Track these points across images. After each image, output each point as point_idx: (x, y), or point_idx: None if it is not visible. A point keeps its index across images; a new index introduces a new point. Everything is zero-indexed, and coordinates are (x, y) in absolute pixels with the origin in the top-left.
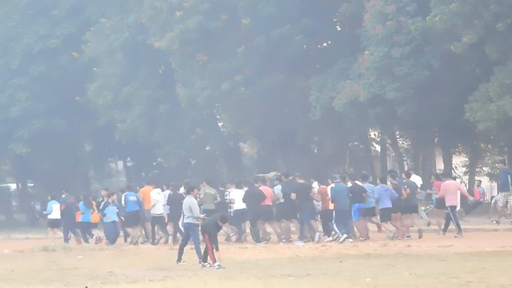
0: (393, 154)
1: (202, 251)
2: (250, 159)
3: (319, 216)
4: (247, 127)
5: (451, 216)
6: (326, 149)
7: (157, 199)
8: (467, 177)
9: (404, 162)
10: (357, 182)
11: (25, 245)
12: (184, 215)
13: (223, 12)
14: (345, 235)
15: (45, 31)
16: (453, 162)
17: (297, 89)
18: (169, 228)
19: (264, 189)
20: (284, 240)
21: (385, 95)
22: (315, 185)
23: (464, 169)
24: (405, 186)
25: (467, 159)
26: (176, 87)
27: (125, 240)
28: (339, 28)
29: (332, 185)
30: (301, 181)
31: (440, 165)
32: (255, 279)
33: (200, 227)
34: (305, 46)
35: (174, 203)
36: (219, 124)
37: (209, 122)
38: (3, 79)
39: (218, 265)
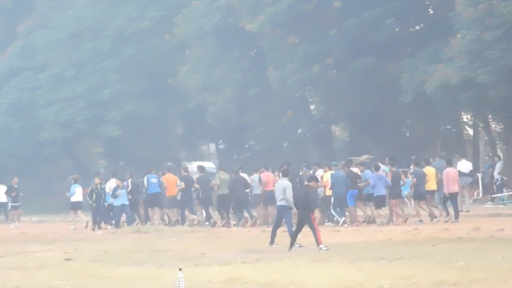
0: (486, 137)
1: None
2: (342, 142)
3: None
4: (339, 110)
5: (442, 201)
6: (417, 133)
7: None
8: None
9: (497, 146)
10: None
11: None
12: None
13: None
14: (343, 218)
15: (137, 14)
16: None
17: (388, 72)
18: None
19: (268, 175)
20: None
21: (477, 79)
22: (320, 172)
23: None
24: (412, 176)
25: None
26: (267, 69)
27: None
28: (431, 11)
29: (332, 172)
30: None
31: None
32: (347, 262)
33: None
34: (396, 29)
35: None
36: (311, 107)
37: (300, 104)
38: (94, 61)
39: (325, 246)
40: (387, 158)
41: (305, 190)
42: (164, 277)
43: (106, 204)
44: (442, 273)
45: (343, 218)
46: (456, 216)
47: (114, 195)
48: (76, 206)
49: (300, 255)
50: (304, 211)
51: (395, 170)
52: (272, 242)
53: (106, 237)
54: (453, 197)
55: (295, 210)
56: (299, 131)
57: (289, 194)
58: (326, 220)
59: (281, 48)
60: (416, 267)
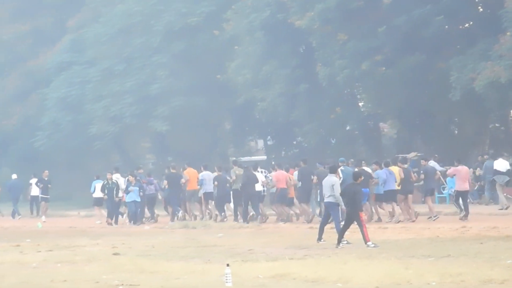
0: None
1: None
2: (390, 139)
3: None
4: (387, 107)
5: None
6: (466, 130)
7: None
8: None
9: None
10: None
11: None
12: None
13: None
14: None
15: (186, 9)
16: None
17: (437, 69)
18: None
19: (281, 173)
20: (304, 221)
21: None
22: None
23: None
24: (421, 172)
25: None
26: (316, 66)
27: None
28: (480, 9)
29: (342, 167)
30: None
31: None
32: (394, 259)
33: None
34: (446, 26)
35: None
36: (359, 103)
37: (349, 101)
38: (144, 56)
39: (373, 243)
40: (436, 155)
41: (354, 187)
42: (212, 273)
43: (117, 198)
44: (490, 271)
45: None
46: (466, 214)
47: (126, 191)
48: (97, 203)
49: (348, 252)
50: (353, 208)
51: (405, 167)
52: (319, 238)
53: (154, 232)
54: (463, 195)
55: (343, 207)
56: (348, 127)
57: (337, 190)
58: None
59: (330, 44)
60: (464, 265)
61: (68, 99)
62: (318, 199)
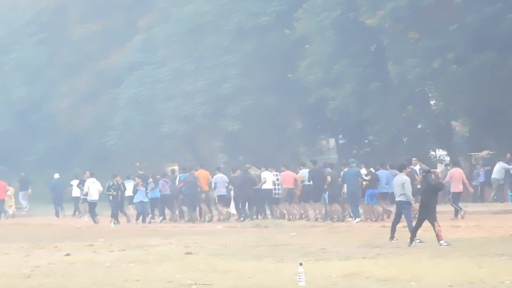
0: None
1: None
2: (462, 137)
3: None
4: (459, 105)
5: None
6: None
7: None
8: None
9: None
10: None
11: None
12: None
13: None
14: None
15: (257, 8)
16: None
17: (509, 67)
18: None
19: (288, 174)
20: (320, 220)
21: None
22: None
23: None
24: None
25: None
26: (387, 64)
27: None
28: None
29: (345, 169)
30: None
31: None
32: (468, 258)
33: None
34: None
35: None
36: (431, 102)
37: (420, 99)
38: (215, 56)
39: (446, 242)
40: (508, 154)
41: (426, 186)
42: (285, 272)
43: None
44: None
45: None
46: (456, 214)
47: (135, 191)
48: (129, 201)
49: (421, 251)
50: (425, 207)
51: (409, 170)
52: (392, 237)
53: (226, 231)
54: (455, 196)
55: (415, 205)
56: (419, 126)
57: (408, 189)
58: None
59: (401, 43)
60: None
61: (139, 99)
62: (327, 201)
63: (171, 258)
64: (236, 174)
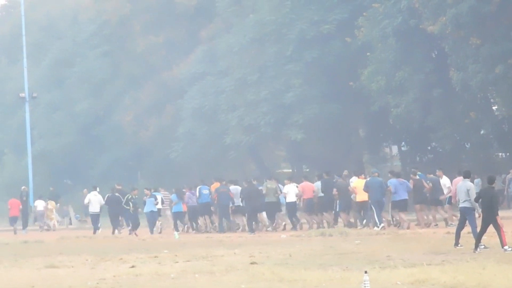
0: None
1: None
2: None
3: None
4: None
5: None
6: None
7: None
8: None
9: None
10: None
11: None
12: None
13: None
14: (382, 225)
15: (318, 17)
16: None
17: None
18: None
19: (307, 184)
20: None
21: None
22: (354, 179)
23: None
24: (428, 181)
25: None
26: (449, 71)
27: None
28: None
29: (368, 178)
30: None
31: None
32: None
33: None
34: None
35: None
36: (493, 107)
37: (483, 105)
38: (277, 65)
39: (510, 248)
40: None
41: (490, 192)
42: (350, 280)
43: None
44: None
45: (382, 225)
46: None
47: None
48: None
49: (486, 257)
50: (489, 212)
51: (417, 178)
52: (456, 243)
53: (290, 241)
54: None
55: (480, 212)
56: (482, 132)
57: (473, 195)
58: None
59: (463, 49)
60: None
61: (202, 110)
62: (337, 209)
63: (237, 268)
64: (246, 186)
